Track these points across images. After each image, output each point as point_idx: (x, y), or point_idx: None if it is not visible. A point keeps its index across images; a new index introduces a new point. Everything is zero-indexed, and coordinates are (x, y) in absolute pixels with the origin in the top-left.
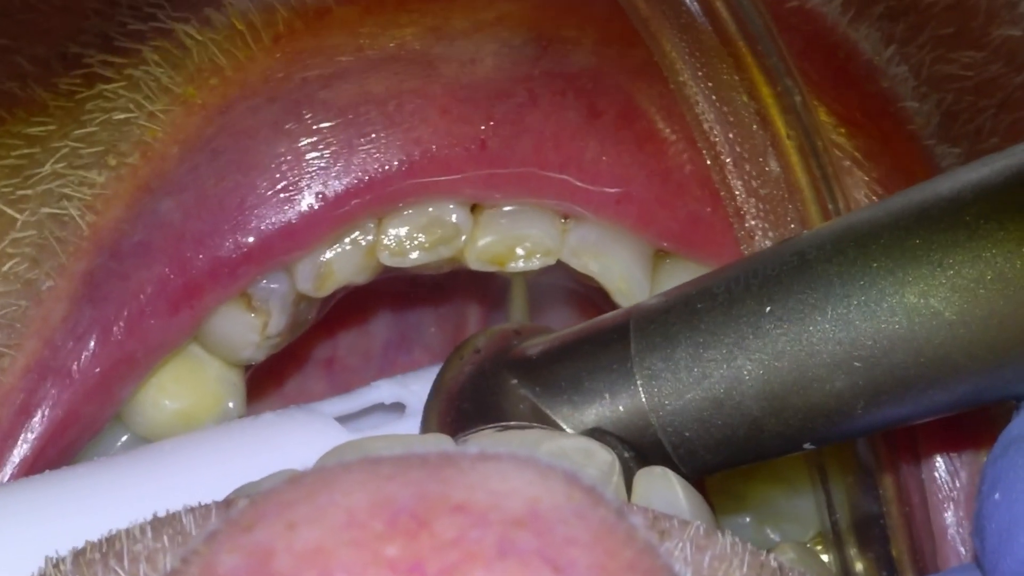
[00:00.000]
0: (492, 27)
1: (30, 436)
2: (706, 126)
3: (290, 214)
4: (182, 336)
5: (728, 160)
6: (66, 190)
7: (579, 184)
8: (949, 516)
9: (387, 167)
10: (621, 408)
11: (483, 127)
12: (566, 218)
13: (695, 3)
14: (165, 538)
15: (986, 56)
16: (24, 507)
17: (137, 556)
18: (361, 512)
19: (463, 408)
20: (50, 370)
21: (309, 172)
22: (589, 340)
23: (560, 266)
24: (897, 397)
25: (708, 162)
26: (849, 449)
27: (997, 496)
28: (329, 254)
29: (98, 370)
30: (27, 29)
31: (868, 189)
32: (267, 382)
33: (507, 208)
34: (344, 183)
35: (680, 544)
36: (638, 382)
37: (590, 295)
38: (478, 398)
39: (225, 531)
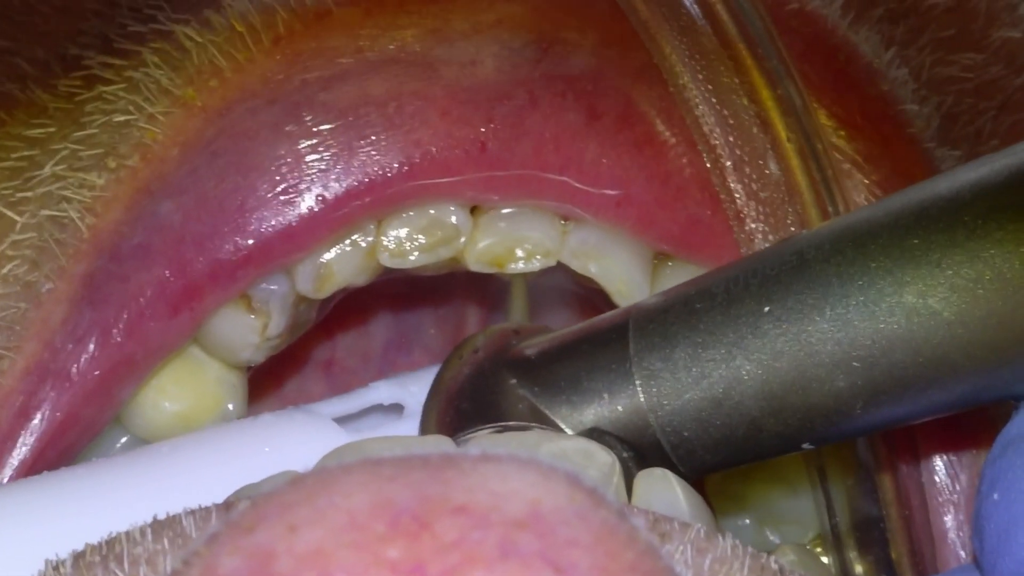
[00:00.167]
0: (492, 29)
1: (29, 438)
2: (706, 129)
3: (290, 216)
4: (182, 338)
5: (728, 163)
6: (66, 192)
7: (579, 186)
8: (949, 519)
9: (387, 169)
10: (620, 408)
11: (483, 129)
12: (566, 220)
13: (695, 5)
14: (165, 540)
15: (986, 58)
16: (23, 509)
17: (137, 559)
18: (362, 514)
19: (462, 408)
20: (50, 372)
21: (309, 174)
22: (588, 340)
23: (560, 268)
24: (896, 397)
25: (708, 165)
26: (849, 451)
27: (996, 496)
28: (329, 256)
29: (98, 372)
30: (26, 31)
31: (868, 192)
32: (266, 384)
33: (507, 210)
34: (344, 185)
35: (681, 547)
36: (637, 382)
37: (590, 297)
38: (477, 398)
39: (226, 533)
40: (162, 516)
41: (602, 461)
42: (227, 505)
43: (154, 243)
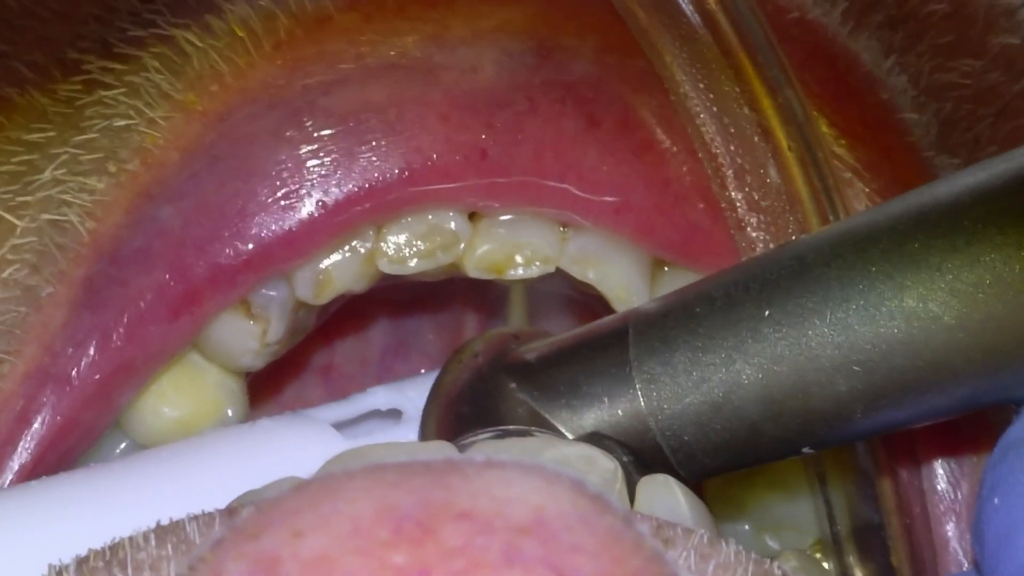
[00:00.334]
0: (492, 35)
1: (30, 442)
2: (707, 137)
3: (290, 221)
4: (182, 343)
5: (729, 171)
6: (66, 196)
7: (578, 193)
8: (951, 527)
9: (387, 175)
10: (620, 412)
11: (483, 135)
12: (565, 226)
13: (695, 14)
14: (169, 546)
15: (984, 64)
16: (25, 513)
17: (141, 564)
18: (366, 520)
19: (461, 412)
20: (50, 376)
21: (309, 179)
22: (587, 344)
23: (559, 274)
24: (896, 401)
25: (709, 173)
26: (849, 457)
27: (996, 501)
28: (328, 262)
29: (98, 376)
30: (26, 35)
31: (869, 200)
32: (265, 389)
33: (506, 216)
34: (344, 191)
35: (684, 552)
36: (637, 386)
37: (589, 303)
38: (476, 402)
39: (231, 539)
40: (161, 520)
41: (604, 467)
42: (231, 511)
43: (154, 247)
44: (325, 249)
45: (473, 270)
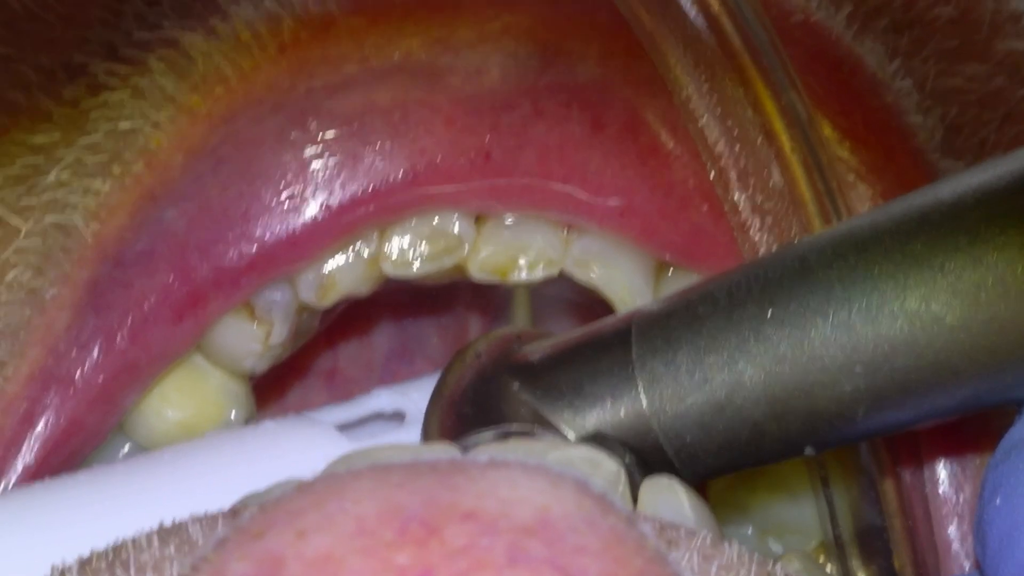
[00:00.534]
0: (498, 38)
1: (34, 444)
2: (710, 140)
3: (294, 224)
4: (185, 345)
5: (732, 174)
6: (71, 199)
7: (582, 196)
8: (953, 530)
9: (392, 177)
10: (622, 412)
11: (488, 138)
12: (569, 229)
13: (699, 17)
14: (172, 547)
15: (990, 69)
16: (29, 514)
17: (144, 565)
18: (371, 520)
19: (464, 412)
20: (54, 378)
21: (314, 182)
22: (590, 344)
23: (563, 277)
24: (898, 402)
25: (712, 176)
26: (852, 460)
27: (998, 501)
28: (332, 265)
29: (101, 379)
30: (31, 39)
31: (872, 203)
32: (269, 393)
33: (510, 219)
34: (348, 193)
35: (688, 554)
36: (639, 386)
37: (593, 306)
38: (479, 402)
39: (235, 539)
40: (164, 521)
41: (608, 468)
42: (234, 512)
43: (158, 249)
44: (329, 252)
45: (477, 273)
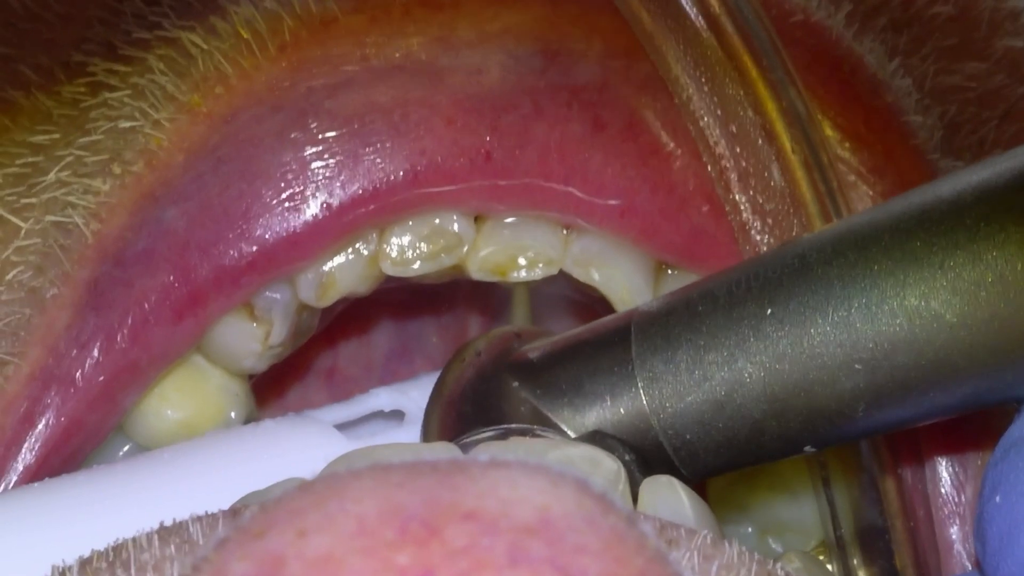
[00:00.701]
0: (498, 38)
1: (34, 444)
2: (711, 140)
3: (295, 223)
4: (186, 345)
5: (733, 174)
6: (71, 198)
7: (583, 196)
8: (955, 531)
9: (392, 177)
10: (622, 410)
11: (488, 138)
12: (568, 228)
13: (700, 17)
14: (172, 547)
15: (989, 67)
16: (29, 514)
17: (144, 565)
18: (371, 520)
19: (464, 411)
20: (54, 378)
21: (314, 181)
22: (590, 343)
23: (562, 276)
24: (898, 399)
25: (713, 176)
26: (853, 460)
27: (998, 499)
28: (331, 264)
29: (102, 378)
30: (31, 38)
31: (872, 203)
32: (269, 392)
33: (509, 219)
34: (349, 192)
35: (688, 553)
36: (639, 384)
37: (592, 305)
38: (479, 401)
39: (235, 538)
40: (165, 521)
41: (608, 468)
42: (234, 511)
43: (158, 249)
44: (329, 251)
45: (476, 272)
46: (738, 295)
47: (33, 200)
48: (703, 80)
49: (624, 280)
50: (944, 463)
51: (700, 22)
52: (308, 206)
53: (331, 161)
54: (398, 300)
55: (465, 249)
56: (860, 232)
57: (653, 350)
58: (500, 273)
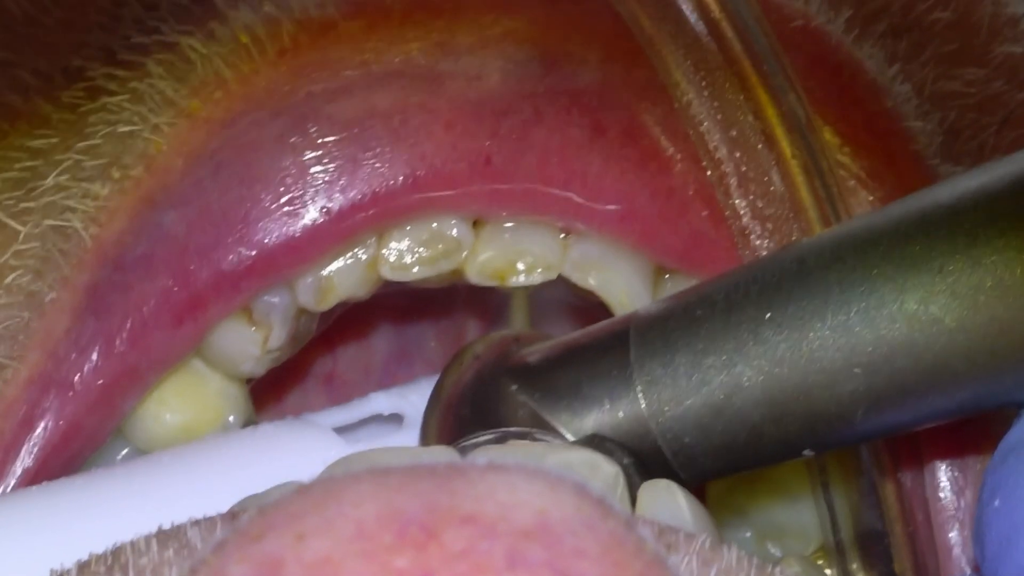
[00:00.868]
0: (498, 43)
1: (33, 448)
2: (711, 145)
3: (294, 228)
4: (185, 349)
5: (733, 179)
6: (69, 202)
7: (582, 201)
8: (954, 535)
9: (392, 182)
10: (620, 414)
11: (488, 143)
12: (567, 233)
13: (700, 22)
14: (170, 551)
15: (988, 73)
16: (28, 518)
17: (143, 569)
18: (370, 523)
19: (462, 414)
20: (53, 382)
21: (313, 186)
22: (588, 346)
23: (561, 281)
24: (897, 403)
25: (712, 181)
26: (853, 464)
27: (997, 503)
28: (330, 268)
29: (101, 382)
30: (29, 43)
31: (872, 208)
32: (267, 396)
33: (508, 223)
34: (349, 197)
35: (687, 557)
36: (638, 388)
37: (591, 310)
38: (477, 404)
39: (234, 541)
40: (163, 525)
41: (606, 472)
42: (233, 514)
43: (157, 253)
44: (329, 256)
45: (475, 277)
46: (737, 299)
47: (32, 204)
48: (703, 85)
49: (623, 285)
50: (944, 467)
51: (700, 27)
52: (307, 211)
53: (330, 166)
54: (397, 304)
55: (464, 254)
56: (859, 236)
57: (652, 354)
58: (499, 278)
